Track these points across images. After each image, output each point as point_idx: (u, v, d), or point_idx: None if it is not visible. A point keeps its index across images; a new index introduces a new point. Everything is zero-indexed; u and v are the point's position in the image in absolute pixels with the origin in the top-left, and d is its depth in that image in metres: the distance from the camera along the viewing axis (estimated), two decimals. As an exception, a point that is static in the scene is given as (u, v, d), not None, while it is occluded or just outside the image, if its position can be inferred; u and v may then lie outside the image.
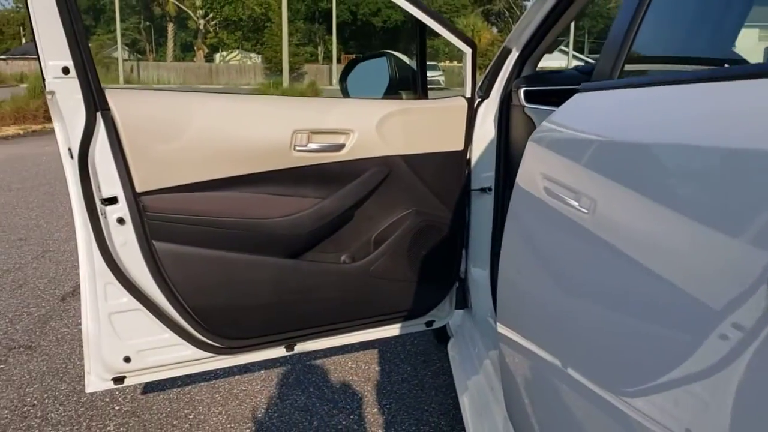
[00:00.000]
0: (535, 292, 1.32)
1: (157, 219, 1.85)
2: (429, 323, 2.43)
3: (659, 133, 0.95)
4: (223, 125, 1.89)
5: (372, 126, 2.05)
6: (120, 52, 34.56)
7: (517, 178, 1.47)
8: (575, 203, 1.13)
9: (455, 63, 39.91)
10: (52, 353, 3.00)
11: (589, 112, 1.28)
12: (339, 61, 40.30)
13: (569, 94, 2.25)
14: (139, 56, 46.64)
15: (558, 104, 2.25)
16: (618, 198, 0.99)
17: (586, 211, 1.08)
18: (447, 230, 2.25)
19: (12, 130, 12.39)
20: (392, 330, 2.36)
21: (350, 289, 2.15)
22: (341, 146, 2.03)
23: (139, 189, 1.82)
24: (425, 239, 2.23)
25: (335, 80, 37.34)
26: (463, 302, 2.55)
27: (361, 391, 2.67)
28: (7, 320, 3.39)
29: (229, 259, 1.95)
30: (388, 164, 2.10)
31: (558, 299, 1.19)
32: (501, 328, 1.54)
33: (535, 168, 1.38)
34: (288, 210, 2.00)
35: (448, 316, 2.47)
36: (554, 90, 2.19)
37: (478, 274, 2.44)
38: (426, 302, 2.33)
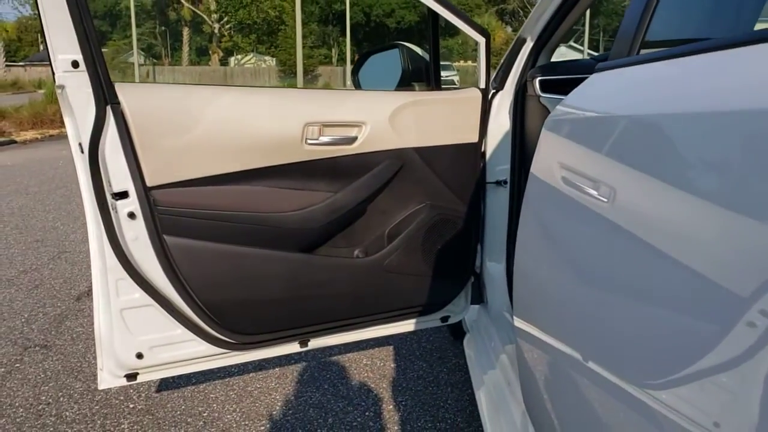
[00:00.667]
0: (553, 285, 1.29)
1: (168, 213, 1.83)
2: (444, 319, 2.40)
3: (688, 107, 0.90)
4: (233, 118, 1.87)
5: (385, 118, 2.02)
6: (136, 57, 34.78)
7: (532, 168, 1.43)
8: (594, 192, 1.09)
9: (469, 62, 39.80)
10: (67, 352, 3.01)
11: (607, 92, 1.23)
12: (353, 62, 40.25)
13: None
14: (154, 61, 47.00)
15: None
16: (642, 184, 0.94)
17: (605, 200, 1.04)
18: (462, 224, 2.22)
19: (30, 134, 12.52)
20: (407, 326, 2.32)
21: (363, 284, 2.12)
22: (353, 139, 2.00)
23: (149, 183, 1.80)
24: (439, 233, 2.19)
25: (349, 82, 37.35)
26: (478, 297, 2.51)
27: (376, 388, 2.64)
28: (23, 320, 3.41)
29: (241, 254, 1.93)
30: (401, 157, 2.07)
31: (576, 292, 1.15)
32: (518, 322, 1.51)
33: (551, 156, 1.34)
34: (300, 204, 1.97)
35: (463, 311, 2.43)
36: (570, 79, 2.15)
37: (493, 268, 2.40)
38: (441, 297, 2.29)
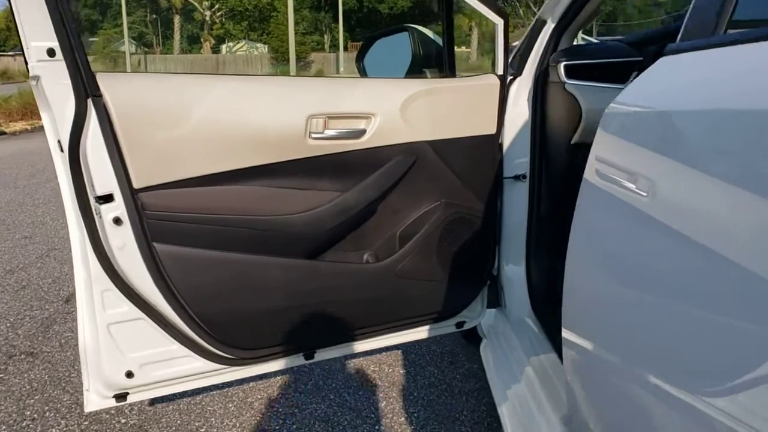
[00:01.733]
0: (617, 298, 1.12)
1: (158, 218, 1.65)
2: (459, 324, 2.23)
3: None
4: (229, 111, 1.68)
5: (395, 109, 1.84)
6: (127, 46, 34.33)
7: (586, 173, 1.24)
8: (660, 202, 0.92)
9: (463, 48, 39.46)
10: (54, 360, 2.82)
11: (683, 81, 1.03)
12: (346, 49, 39.97)
13: (618, 67, 2.04)
14: (146, 49, 46.44)
15: (603, 79, 2.04)
16: (730, 195, 0.78)
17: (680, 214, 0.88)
18: (479, 223, 2.04)
19: (19, 125, 12.26)
20: (419, 333, 2.15)
21: (374, 290, 1.94)
22: (362, 132, 1.82)
23: (137, 185, 1.62)
24: (455, 234, 2.01)
25: (342, 68, 37.05)
26: (495, 301, 2.34)
27: (386, 398, 2.47)
28: (8, 324, 3.22)
29: (239, 262, 1.75)
30: (414, 151, 1.89)
31: (645, 305, 0.99)
32: (568, 334, 1.35)
33: (610, 160, 1.15)
34: (304, 205, 1.79)
35: (479, 316, 2.26)
36: (600, 64, 1.97)
37: (511, 270, 2.22)
38: (456, 302, 2.12)
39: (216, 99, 1.66)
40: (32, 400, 2.49)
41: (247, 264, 1.76)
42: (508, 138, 2.12)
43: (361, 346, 2.07)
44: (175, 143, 1.63)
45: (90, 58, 1.60)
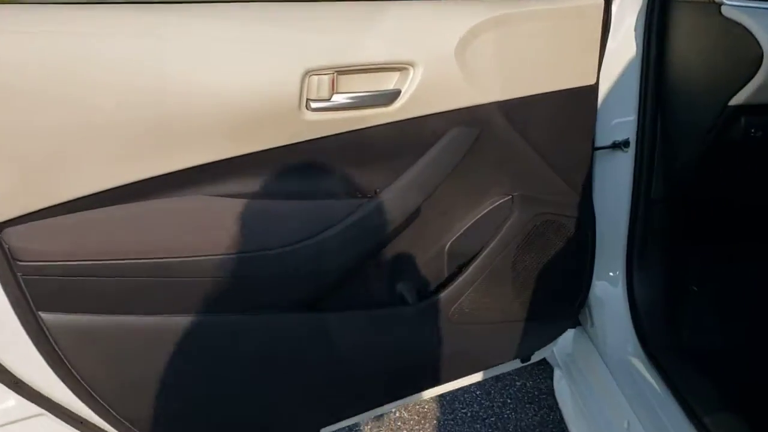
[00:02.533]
0: None
1: (41, 272, 0.93)
2: (526, 358, 1.56)
3: None
4: (166, 68, 0.93)
5: (448, 52, 1.09)
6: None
7: None
8: None
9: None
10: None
11: None
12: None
13: None
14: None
15: None
16: None
17: None
18: (572, 226, 1.33)
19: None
20: (471, 379, 1.49)
21: (415, 346, 1.26)
22: (394, 95, 1.07)
23: None
24: (538, 245, 1.31)
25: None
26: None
27: (417, 441, 1.83)
28: None
29: (190, 329, 1.05)
30: (478, 120, 1.16)
31: None
32: None
33: None
34: (300, 228, 1.07)
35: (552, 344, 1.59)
36: None
37: (604, 286, 1.52)
38: (533, 344, 1.45)
39: (131, 45, 0.91)
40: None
41: (203, 331, 1.06)
42: (604, 86, 1.39)
43: (385, 408, 1.42)
44: (69, 132, 0.89)
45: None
